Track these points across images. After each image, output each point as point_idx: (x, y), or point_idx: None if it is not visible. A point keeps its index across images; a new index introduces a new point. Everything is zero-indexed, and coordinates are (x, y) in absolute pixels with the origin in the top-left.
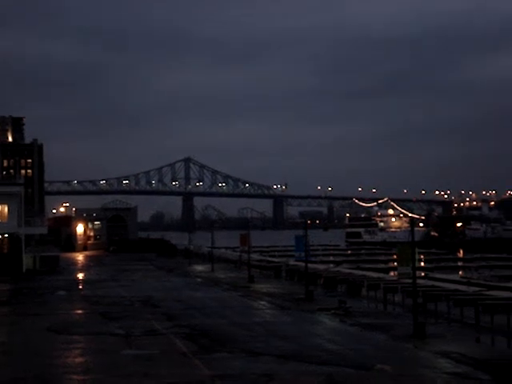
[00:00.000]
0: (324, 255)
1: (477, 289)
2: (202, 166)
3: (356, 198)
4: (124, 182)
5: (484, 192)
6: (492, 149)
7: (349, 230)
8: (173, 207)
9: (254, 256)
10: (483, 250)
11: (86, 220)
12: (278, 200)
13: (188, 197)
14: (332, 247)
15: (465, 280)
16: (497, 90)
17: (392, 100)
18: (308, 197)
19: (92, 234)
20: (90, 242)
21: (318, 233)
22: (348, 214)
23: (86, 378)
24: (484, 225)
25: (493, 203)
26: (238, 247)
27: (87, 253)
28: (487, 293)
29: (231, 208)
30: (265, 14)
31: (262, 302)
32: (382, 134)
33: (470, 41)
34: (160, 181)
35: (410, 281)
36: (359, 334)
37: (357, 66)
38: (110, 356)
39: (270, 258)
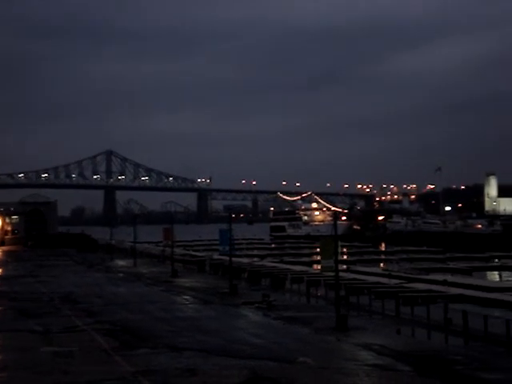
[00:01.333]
0: (248, 249)
1: (397, 281)
2: (124, 159)
3: (280, 192)
4: (43, 175)
5: (405, 186)
6: (412, 143)
7: (273, 223)
8: (94, 201)
9: (178, 250)
10: (404, 243)
11: (3, 214)
12: (203, 194)
13: (110, 190)
14: (256, 241)
15: (386, 273)
16: (420, 84)
17: (317, 94)
18: (233, 190)
19: (10, 228)
20: (7, 236)
21: (242, 226)
22: (272, 208)
23: (3, 376)
24: (405, 218)
25: (413, 197)
26: (161, 241)
27: (4, 248)
28: (407, 285)
29: (154, 202)
30: (193, 4)
31: (186, 297)
32: (305, 128)
33: (399, 34)
34: (80, 174)
35: (332, 274)
36: (282, 327)
37: (288, 59)
38: (28, 353)
39: (193, 252)
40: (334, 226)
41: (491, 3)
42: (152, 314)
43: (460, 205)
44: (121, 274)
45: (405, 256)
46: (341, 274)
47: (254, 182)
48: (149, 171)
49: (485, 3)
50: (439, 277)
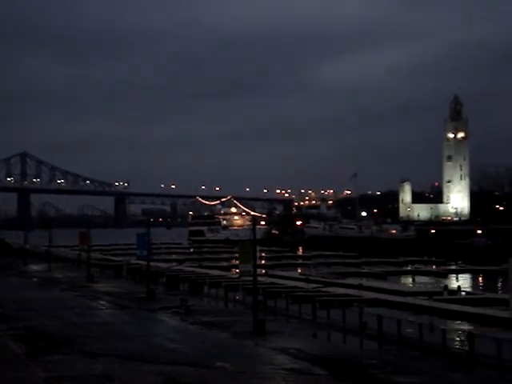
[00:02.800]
0: (167, 253)
1: (315, 285)
2: (40, 162)
3: (199, 197)
4: None
5: (323, 191)
6: (331, 149)
7: (192, 228)
8: (7, 204)
9: (95, 255)
10: (321, 248)
11: None
12: (120, 197)
13: (24, 193)
14: (175, 245)
15: (303, 277)
16: (340, 91)
17: (238, 100)
18: (151, 194)
19: None
20: None
21: (161, 231)
22: (191, 212)
23: None
24: (322, 223)
25: (331, 202)
26: (77, 246)
27: None
28: (324, 289)
29: (71, 205)
30: (115, 9)
31: (102, 302)
32: (225, 133)
33: (324, 42)
34: None
35: (250, 278)
36: (200, 332)
37: (210, 65)
38: None
39: (111, 257)
40: (253, 230)
41: (414, 14)
42: (67, 319)
43: (375, 210)
44: (35, 279)
45: (322, 260)
46: (259, 278)
47: (172, 186)
48: (65, 174)
49: (407, 14)
50: (355, 281)
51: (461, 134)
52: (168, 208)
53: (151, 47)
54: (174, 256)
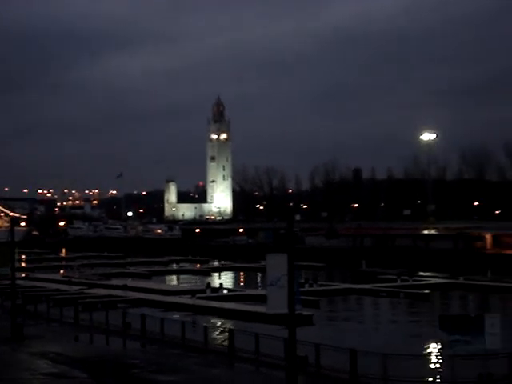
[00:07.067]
0: None
1: (78, 287)
2: None
3: None
4: None
5: (87, 191)
6: (96, 148)
7: None
8: None
9: None
10: (86, 249)
11: None
12: None
13: None
14: None
15: (66, 279)
16: (109, 91)
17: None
18: None
19: None
20: None
21: None
22: None
23: None
24: (87, 223)
25: (96, 202)
26: None
27: None
28: (88, 291)
29: None
30: None
31: None
32: None
33: (84, 41)
34: None
35: (8, 282)
36: None
37: None
38: None
39: None
40: (11, 231)
41: (186, 14)
42: None
43: (141, 210)
44: None
45: (86, 262)
46: (18, 281)
47: None
48: None
49: (178, 14)
50: (120, 282)
51: (223, 136)
52: None
53: None
54: None
